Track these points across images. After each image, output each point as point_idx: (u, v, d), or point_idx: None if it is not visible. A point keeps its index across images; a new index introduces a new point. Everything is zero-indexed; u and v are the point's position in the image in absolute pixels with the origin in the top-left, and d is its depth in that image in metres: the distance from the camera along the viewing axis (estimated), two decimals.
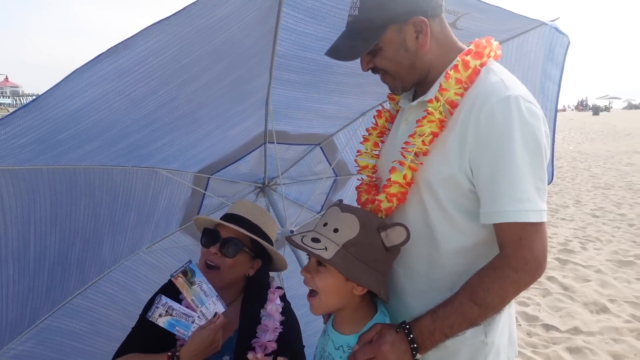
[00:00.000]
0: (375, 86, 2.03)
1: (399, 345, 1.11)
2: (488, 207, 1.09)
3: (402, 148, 1.20)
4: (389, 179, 1.21)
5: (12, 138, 1.17)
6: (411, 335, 1.11)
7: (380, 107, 1.47)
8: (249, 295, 1.70)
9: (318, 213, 2.78)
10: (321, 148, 2.53)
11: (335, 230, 1.18)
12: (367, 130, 1.46)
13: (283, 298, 1.75)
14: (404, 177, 1.18)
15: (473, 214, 1.14)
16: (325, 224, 1.22)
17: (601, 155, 14.85)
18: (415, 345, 1.11)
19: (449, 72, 1.15)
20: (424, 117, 1.17)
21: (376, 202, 1.26)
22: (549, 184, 2.58)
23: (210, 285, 1.52)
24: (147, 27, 1.05)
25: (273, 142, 2.16)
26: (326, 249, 1.17)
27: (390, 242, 1.15)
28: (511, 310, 1.29)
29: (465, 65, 1.14)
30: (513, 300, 1.23)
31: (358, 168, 1.44)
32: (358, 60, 1.78)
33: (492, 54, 1.19)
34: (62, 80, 1.07)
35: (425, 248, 1.21)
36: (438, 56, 1.19)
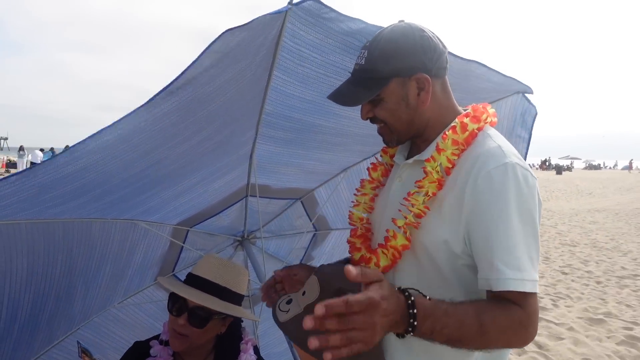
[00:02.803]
0: (358, 145, 2.10)
1: (395, 306, 0.91)
2: (487, 273, 1.06)
3: (403, 205, 1.18)
4: (390, 242, 1.19)
5: None
6: (412, 308, 0.94)
7: (374, 160, 1.47)
8: (221, 351, 1.64)
9: None
10: (302, 202, 2.55)
11: (303, 293, 1.16)
12: (361, 182, 1.46)
13: (256, 351, 1.70)
14: (408, 239, 1.16)
15: (468, 278, 1.13)
16: (302, 286, 1.20)
17: (566, 212, 15.39)
18: (414, 322, 0.94)
19: (447, 132, 1.18)
20: (424, 178, 1.17)
21: (371, 260, 1.23)
22: None
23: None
24: (154, 99, 1.07)
25: (255, 196, 2.17)
26: (288, 311, 1.13)
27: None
28: None
29: (463, 127, 1.17)
30: None
31: (350, 220, 1.41)
32: (342, 122, 1.85)
33: (489, 119, 1.23)
34: (60, 154, 1.09)
35: None
36: (436, 116, 1.22)
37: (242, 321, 1.77)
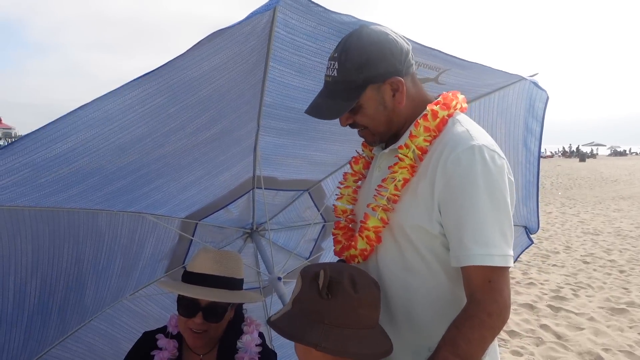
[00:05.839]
0: None
1: None
2: (456, 251, 1.13)
3: (376, 190, 1.25)
4: (364, 224, 1.25)
5: None
6: None
7: (356, 154, 1.53)
8: (225, 334, 1.67)
9: (307, 259, 2.76)
10: (309, 194, 2.55)
11: (294, 291, 1.19)
12: (344, 176, 1.52)
13: (262, 336, 1.72)
14: (382, 220, 1.23)
15: (447, 258, 1.17)
16: None
17: (589, 201, 15.02)
18: None
19: (419, 120, 1.23)
20: (395, 164, 1.23)
21: (351, 247, 1.29)
22: (535, 231, 2.60)
23: None
24: (134, 80, 1.08)
25: (261, 188, 2.18)
26: (281, 311, 1.16)
27: (320, 287, 1.10)
28: (495, 356, 1.28)
29: (434, 114, 1.22)
30: (494, 350, 1.25)
31: (335, 213, 1.48)
32: None
33: (459, 105, 1.28)
34: (42, 127, 1.09)
35: (402, 292, 1.23)
36: (412, 110, 1.27)
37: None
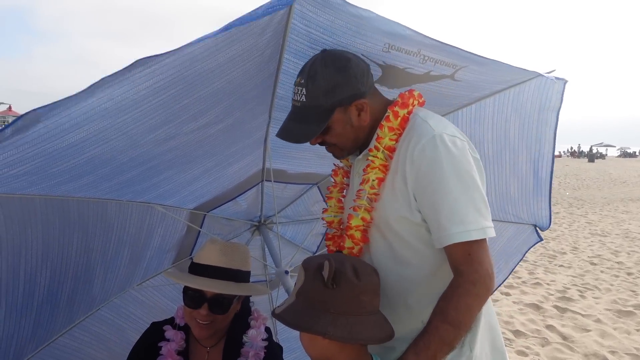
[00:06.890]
0: None
1: None
2: (436, 233, 1.22)
3: (356, 194, 1.34)
4: (349, 225, 1.34)
5: (3, 167, 1.16)
6: None
7: (334, 166, 1.60)
8: (232, 327, 1.67)
9: (313, 253, 2.75)
10: (318, 188, 2.53)
11: (296, 284, 1.22)
12: (328, 188, 1.60)
13: (268, 330, 1.72)
14: (363, 219, 1.32)
15: (432, 242, 1.25)
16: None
17: (597, 202, 14.90)
18: None
19: (382, 122, 1.33)
20: (367, 166, 1.33)
21: (341, 248, 1.37)
22: (546, 229, 2.57)
23: None
24: (146, 58, 1.03)
25: (270, 181, 2.17)
26: (282, 304, 1.21)
27: (325, 277, 1.14)
28: (491, 320, 1.37)
29: (395, 114, 1.32)
30: (489, 313, 1.35)
31: (326, 225, 1.57)
32: None
33: (416, 102, 1.37)
34: (55, 114, 1.04)
35: (398, 283, 1.30)
36: (374, 120, 1.35)
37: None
